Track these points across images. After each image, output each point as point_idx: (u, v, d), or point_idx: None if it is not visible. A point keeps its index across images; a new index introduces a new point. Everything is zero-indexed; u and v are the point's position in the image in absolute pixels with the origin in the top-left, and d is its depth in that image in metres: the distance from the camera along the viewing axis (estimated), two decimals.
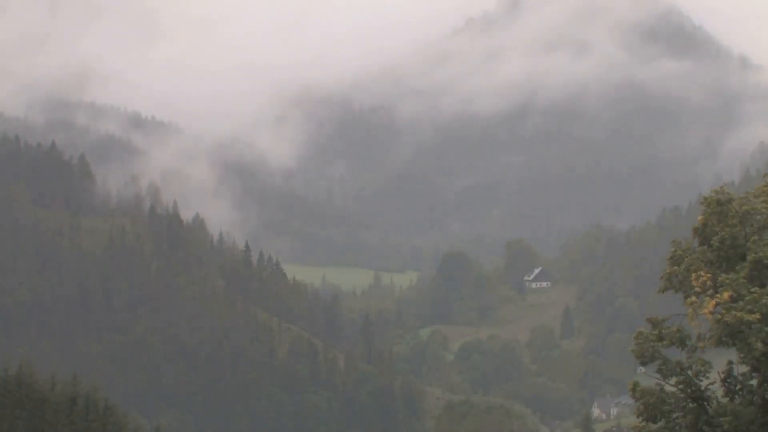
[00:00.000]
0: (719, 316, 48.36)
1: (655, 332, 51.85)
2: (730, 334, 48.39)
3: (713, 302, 48.99)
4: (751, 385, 50.45)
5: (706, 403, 50.92)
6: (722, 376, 51.10)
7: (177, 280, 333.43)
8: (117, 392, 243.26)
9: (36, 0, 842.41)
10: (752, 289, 48.40)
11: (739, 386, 50.80)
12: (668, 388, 51.59)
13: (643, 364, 52.18)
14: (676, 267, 52.33)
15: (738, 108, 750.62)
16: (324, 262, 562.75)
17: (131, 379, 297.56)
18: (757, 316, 47.50)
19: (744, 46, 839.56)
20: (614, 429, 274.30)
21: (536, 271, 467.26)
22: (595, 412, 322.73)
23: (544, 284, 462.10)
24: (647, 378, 53.78)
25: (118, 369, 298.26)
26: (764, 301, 47.74)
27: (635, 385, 51.76)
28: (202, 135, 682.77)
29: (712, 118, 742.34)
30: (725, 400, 50.76)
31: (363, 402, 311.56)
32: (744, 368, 50.44)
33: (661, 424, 51.30)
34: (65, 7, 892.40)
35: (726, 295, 48.59)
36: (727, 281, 49.05)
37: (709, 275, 50.29)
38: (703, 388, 51.12)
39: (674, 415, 51.18)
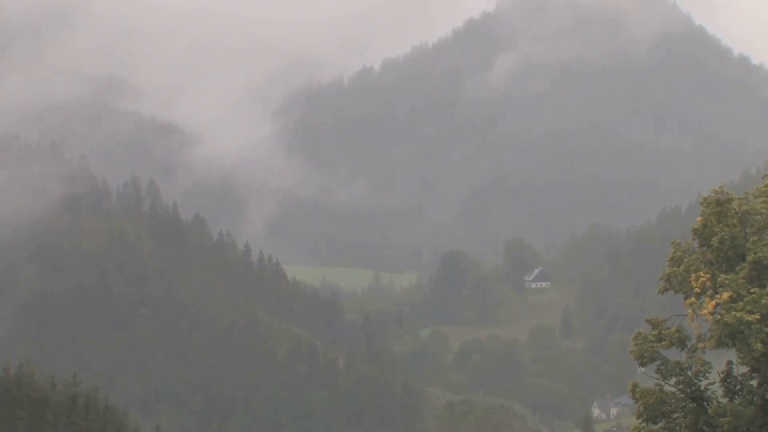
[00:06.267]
0: (719, 317, 48.28)
1: (654, 333, 51.77)
2: (730, 335, 48.30)
3: (713, 303, 48.90)
4: (751, 386, 50.38)
5: (705, 404, 50.85)
6: (722, 376, 51.03)
7: (177, 280, 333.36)
8: (117, 392, 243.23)
9: None
10: (752, 290, 48.30)
11: (738, 386, 50.73)
12: (668, 389, 51.51)
13: (642, 364, 52.10)
14: (675, 268, 52.24)
15: (738, 108, 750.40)
16: (324, 262, 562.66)
17: (131, 379, 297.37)
18: (757, 316, 47.41)
19: (744, 46, 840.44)
20: (614, 429, 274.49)
21: (536, 271, 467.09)
22: (595, 412, 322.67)
23: (544, 284, 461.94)
24: (647, 378, 53.67)
25: (118, 369, 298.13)
26: (764, 301, 47.64)
27: (635, 385, 51.66)
28: (202, 134, 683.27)
29: (712, 119, 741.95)
30: (725, 401, 50.69)
31: (363, 402, 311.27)
32: (744, 368, 50.36)
33: (661, 424, 51.22)
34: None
35: (726, 295, 48.50)
36: (727, 282, 48.95)
37: (708, 276, 50.19)
38: (702, 388, 51.07)
39: (674, 416, 51.11)
